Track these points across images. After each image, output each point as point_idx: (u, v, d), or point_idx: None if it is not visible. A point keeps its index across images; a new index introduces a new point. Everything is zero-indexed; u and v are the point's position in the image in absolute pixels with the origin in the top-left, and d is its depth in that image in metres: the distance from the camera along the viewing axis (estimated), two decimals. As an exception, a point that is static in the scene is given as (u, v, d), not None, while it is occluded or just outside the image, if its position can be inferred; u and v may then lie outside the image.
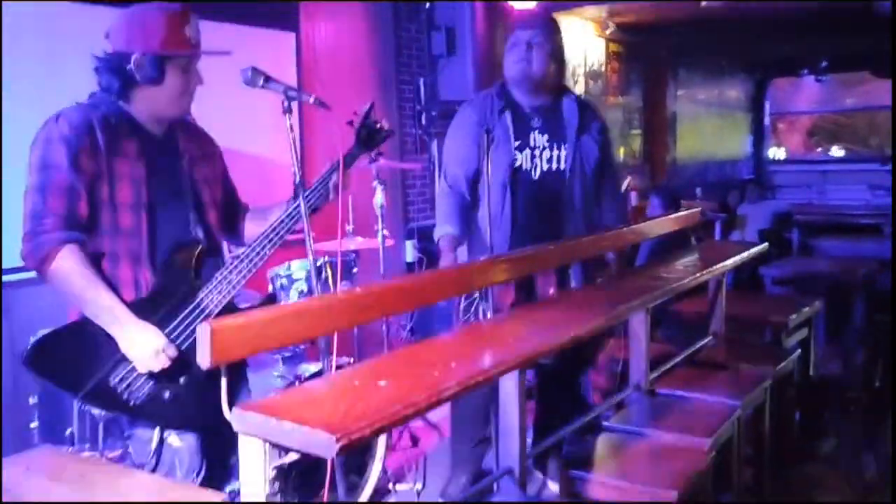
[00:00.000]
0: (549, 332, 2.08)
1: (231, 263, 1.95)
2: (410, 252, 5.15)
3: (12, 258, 2.94)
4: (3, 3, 3.04)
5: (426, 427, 3.70)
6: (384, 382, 1.54)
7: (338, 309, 1.61)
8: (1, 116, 3.04)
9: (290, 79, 4.49)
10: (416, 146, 5.32)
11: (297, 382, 2.80)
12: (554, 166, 2.80)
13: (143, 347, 1.80)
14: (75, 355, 1.82)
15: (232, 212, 2.25)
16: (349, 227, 3.57)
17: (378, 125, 2.21)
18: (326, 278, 2.99)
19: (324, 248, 3.49)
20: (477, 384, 1.58)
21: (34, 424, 2.82)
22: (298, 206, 1.97)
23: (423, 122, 5.31)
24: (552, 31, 2.87)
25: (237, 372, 2.06)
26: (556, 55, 2.85)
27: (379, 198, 3.26)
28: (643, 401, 2.73)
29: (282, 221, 2.00)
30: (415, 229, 5.21)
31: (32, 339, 1.82)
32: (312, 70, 4.64)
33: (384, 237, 3.37)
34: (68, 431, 2.73)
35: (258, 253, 1.97)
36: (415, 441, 3.63)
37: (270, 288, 3.14)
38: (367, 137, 2.21)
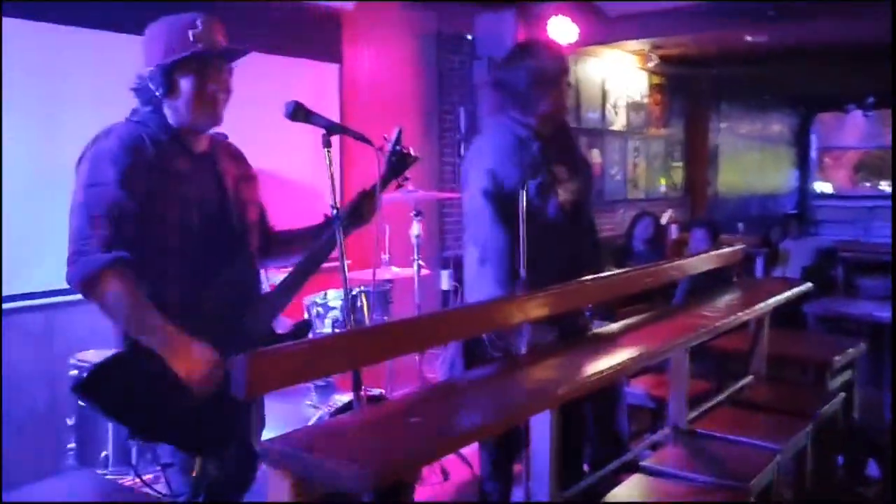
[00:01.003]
0: (585, 372, 2.05)
1: (274, 289, 1.95)
2: (446, 281, 5.15)
3: (52, 281, 3.03)
4: (56, 32, 3.14)
5: (457, 460, 3.67)
6: (415, 419, 1.52)
7: (375, 342, 1.60)
8: (1, 137, 3.12)
9: (332, 108, 4.57)
10: (455, 175, 5.34)
11: (329, 412, 2.80)
12: (576, 197, 2.74)
13: (196, 364, 1.76)
14: (129, 386, 1.79)
15: (264, 235, 2.21)
16: (385, 257, 3.59)
17: (406, 151, 2.20)
18: (362, 307, 2.99)
19: (359, 276, 3.51)
20: (508, 424, 1.56)
21: (71, 445, 2.86)
22: (335, 234, 1.97)
23: (463, 151, 5.33)
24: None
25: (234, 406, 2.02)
26: None
27: (415, 228, 3.27)
28: (681, 442, 2.67)
29: (320, 249, 2.00)
30: (451, 258, 5.21)
31: (73, 363, 1.82)
32: (355, 99, 4.71)
33: (420, 267, 3.37)
34: (103, 454, 2.78)
35: (297, 280, 1.97)
36: (445, 475, 3.59)
37: (306, 315, 3.15)
38: (397, 163, 2.20)
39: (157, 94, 1.87)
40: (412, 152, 2.22)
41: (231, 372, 1.37)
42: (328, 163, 2.00)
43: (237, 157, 2.13)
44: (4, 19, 3.12)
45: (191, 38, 1.86)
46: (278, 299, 2.00)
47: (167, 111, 1.92)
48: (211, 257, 1.92)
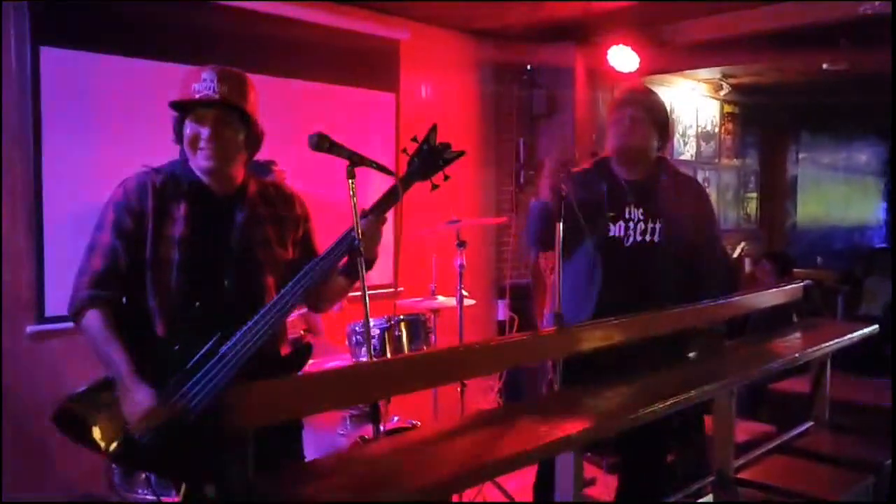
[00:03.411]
0: (605, 414, 1.98)
1: (257, 316, 1.93)
2: (502, 311, 5.10)
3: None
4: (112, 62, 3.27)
5: (501, 495, 3.58)
6: (387, 460, 1.48)
7: (366, 379, 1.58)
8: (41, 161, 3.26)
9: (388, 137, 4.62)
10: (512, 204, 5.30)
11: (360, 442, 2.79)
12: (647, 238, 2.76)
13: (134, 407, 1.85)
14: (100, 415, 1.89)
15: None
16: (431, 286, 3.57)
17: (440, 147, 2.09)
18: (400, 336, 2.98)
19: (406, 305, 3.51)
20: (494, 475, 1.51)
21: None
22: (327, 256, 1.98)
23: (521, 180, 5.30)
24: (653, 106, 2.86)
25: (285, 433, 2.02)
26: (657, 130, 2.84)
27: (459, 258, 3.25)
28: (725, 491, 2.53)
29: (307, 272, 1.98)
30: (507, 287, 5.15)
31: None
32: (411, 128, 4.73)
33: (463, 297, 3.34)
34: (143, 475, 2.82)
35: (284, 304, 1.94)
36: (487, 509, 3.52)
37: (347, 343, 3.16)
38: (425, 163, 2.09)
39: (175, 139, 2.02)
40: (451, 147, 2.10)
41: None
42: (352, 193, 2.01)
43: (276, 198, 2.14)
44: (55, 50, 3.28)
45: (193, 88, 1.96)
46: (264, 323, 1.94)
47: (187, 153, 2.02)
48: (204, 296, 1.97)
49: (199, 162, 2.00)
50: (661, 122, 2.86)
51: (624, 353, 2.43)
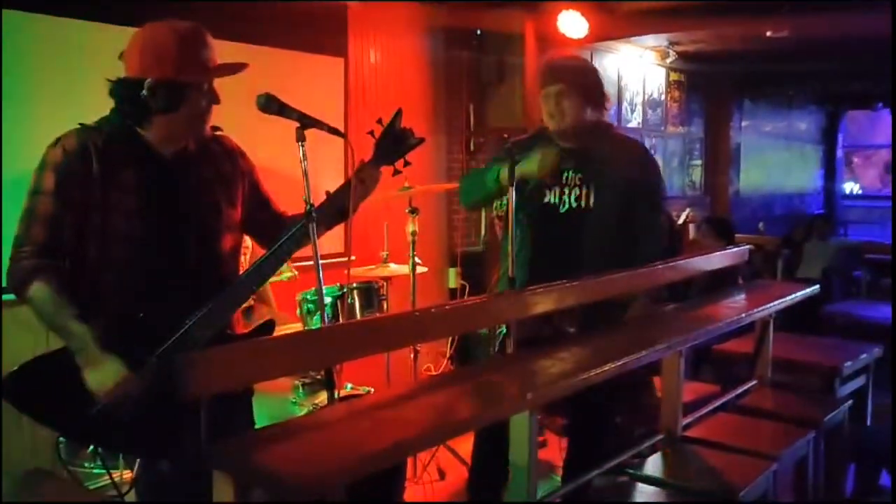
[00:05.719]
0: (559, 374, 1.99)
1: (225, 291, 1.87)
2: (453, 278, 5.11)
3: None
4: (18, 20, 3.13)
5: (455, 460, 3.61)
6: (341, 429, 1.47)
7: (322, 343, 1.55)
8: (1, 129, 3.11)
9: (337, 102, 4.54)
10: (462, 172, 5.29)
11: (315, 409, 2.78)
12: (582, 204, 2.74)
13: (103, 378, 1.73)
14: (53, 387, 1.78)
15: (268, 227, 2.13)
16: (383, 254, 3.55)
17: (404, 133, 2.10)
18: (353, 304, 2.96)
19: (358, 273, 3.48)
20: (446, 437, 1.51)
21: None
22: (298, 230, 1.93)
23: (472, 148, 5.28)
24: (578, 74, 2.79)
25: (235, 402, 1.97)
26: (590, 100, 2.78)
27: (410, 225, 3.23)
28: (673, 448, 2.60)
29: (279, 248, 1.93)
30: (458, 255, 5.16)
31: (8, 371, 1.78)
32: (360, 94, 4.68)
33: (416, 265, 3.33)
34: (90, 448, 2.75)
35: (252, 279, 1.90)
36: (441, 475, 3.55)
37: (298, 312, 3.12)
38: (390, 147, 2.10)
39: (152, 105, 1.84)
40: (413, 134, 2.11)
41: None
42: (301, 157, 1.97)
43: (220, 154, 2.04)
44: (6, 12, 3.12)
45: (203, 58, 1.86)
46: (232, 299, 1.91)
47: (155, 121, 1.87)
48: (160, 266, 1.88)
49: (197, 132, 1.94)
50: (588, 87, 2.77)
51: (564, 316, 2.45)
